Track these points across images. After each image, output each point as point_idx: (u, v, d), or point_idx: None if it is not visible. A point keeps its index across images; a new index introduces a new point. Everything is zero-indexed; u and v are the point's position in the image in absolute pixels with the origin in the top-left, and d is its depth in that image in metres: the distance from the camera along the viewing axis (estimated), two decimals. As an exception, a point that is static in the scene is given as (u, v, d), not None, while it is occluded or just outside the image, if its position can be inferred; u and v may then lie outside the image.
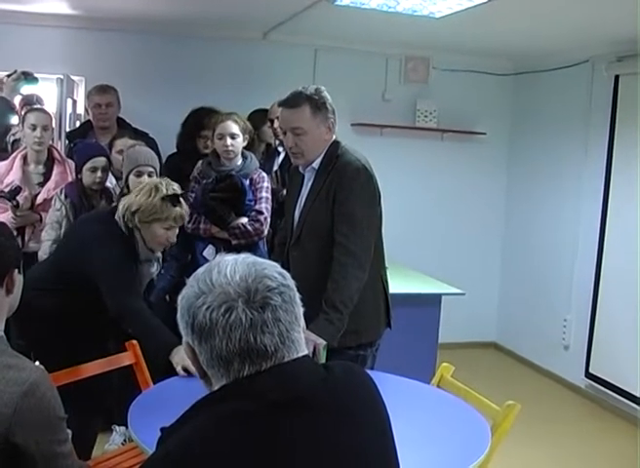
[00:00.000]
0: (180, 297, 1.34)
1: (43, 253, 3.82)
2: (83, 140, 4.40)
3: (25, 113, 4.16)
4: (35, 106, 4.36)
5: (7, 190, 3.99)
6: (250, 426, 1.23)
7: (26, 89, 4.76)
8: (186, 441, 1.24)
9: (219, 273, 1.31)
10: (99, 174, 3.89)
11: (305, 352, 1.36)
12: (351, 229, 2.89)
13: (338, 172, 2.94)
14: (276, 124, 4.31)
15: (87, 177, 3.90)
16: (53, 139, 4.36)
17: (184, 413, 1.31)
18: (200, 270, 1.35)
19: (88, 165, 3.89)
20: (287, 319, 1.30)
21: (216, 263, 1.34)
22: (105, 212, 3.42)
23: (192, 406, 1.31)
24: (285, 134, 3.01)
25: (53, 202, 3.90)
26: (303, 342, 1.36)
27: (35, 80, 4.67)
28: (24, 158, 4.15)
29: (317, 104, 2.93)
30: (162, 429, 1.33)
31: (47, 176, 4.13)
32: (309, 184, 3.05)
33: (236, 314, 1.26)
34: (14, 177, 4.09)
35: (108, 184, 4.17)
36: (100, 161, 3.91)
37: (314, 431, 1.28)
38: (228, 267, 1.32)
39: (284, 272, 1.36)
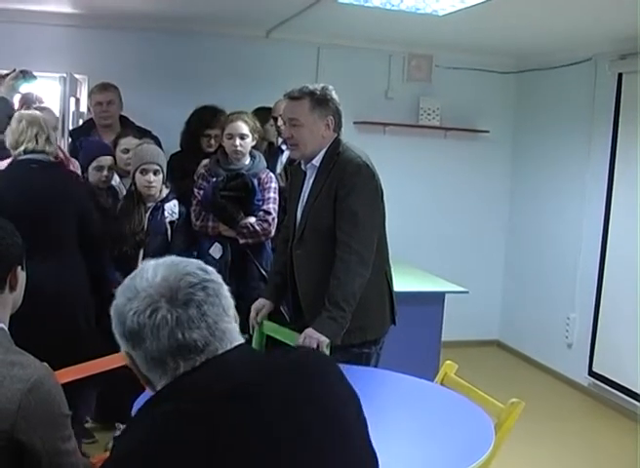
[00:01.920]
0: (111, 309, 1.35)
1: None
2: (88, 139, 4.40)
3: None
4: (42, 106, 4.36)
5: None
6: (193, 424, 1.22)
7: (25, 87, 4.77)
8: (132, 444, 1.24)
9: (141, 278, 1.33)
10: (104, 172, 3.93)
11: (240, 341, 1.37)
12: (353, 226, 2.89)
13: (339, 169, 2.95)
14: (279, 122, 4.32)
15: (93, 176, 3.95)
16: (56, 138, 4.36)
17: (131, 419, 1.33)
18: (126, 279, 1.37)
19: (94, 164, 3.93)
20: (213, 312, 1.32)
21: (139, 270, 1.37)
22: None
23: (138, 410, 1.32)
24: (285, 124, 3.07)
25: None
26: (237, 331, 1.37)
27: (33, 78, 4.67)
28: None
29: (318, 99, 2.95)
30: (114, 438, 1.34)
31: None
32: (311, 182, 3.06)
33: (162, 314, 1.28)
34: None
35: (112, 183, 4.18)
36: (106, 160, 3.95)
37: (261, 417, 1.26)
38: (150, 271, 1.34)
39: (207, 268, 1.38)
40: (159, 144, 4.46)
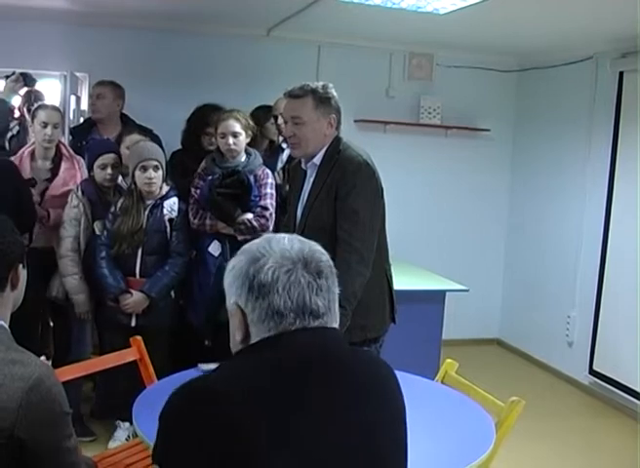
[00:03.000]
0: (229, 268, 1.44)
1: (65, 249, 3.89)
2: (94, 138, 4.41)
3: (36, 109, 4.16)
4: (46, 103, 4.37)
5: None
6: (278, 376, 1.32)
7: (25, 90, 4.78)
8: (218, 379, 1.33)
9: (277, 242, 1.43)
10: (108, 170, 3.95)
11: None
12: (354, 225, 2.89)
13: (339, 167, 2.95)
14: (280, 120, 4.31)
15: (98, 174, 3.98)
16: (60, 135, 4.36)
17: (225, 362, 1.42)
18: (251, 243, 1.45)
19: (98, 162, 3.96)
20: (334, 289, 1.46)
21: (271, 236, 1.46)
22: None
23: (237, 353, 1.43)
24: (286, 123, 3.05)
25: (70, 199, 3.95)
26: (338, 319, 1.48)
27: (34, 81, 4.69)
28: (32, 154, 4.16)
29: (320, 98, 2.95)
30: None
31: (54, 172, 4.13)
32: (311, 180, 3.05)
33: (296, 275, 1.38)
34: (22, 173, 4.10)
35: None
36: (110, 158, 3.97)
37: (337, 394, 1.37)
38: (286, 239, 1.45)
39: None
40: (160, 143, 4.46)
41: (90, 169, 4.01)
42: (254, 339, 1.40)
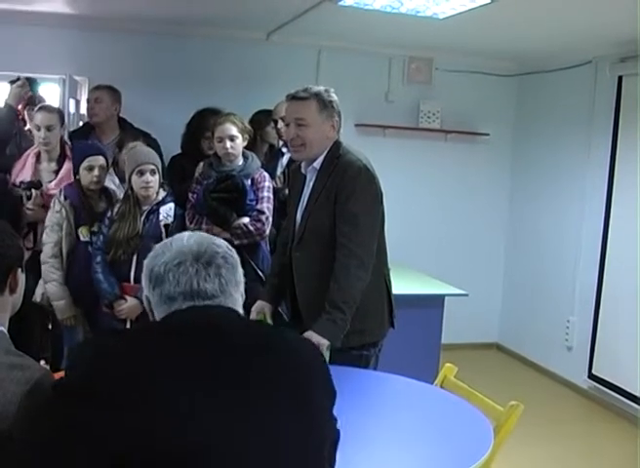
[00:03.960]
0: (147, 258, 1.65)
1: (45, 255, 3.84)
2: (79, 141, 4.37)
3: (34, 112, 4.18)
4: (43, 105, 4.37)
5: (26, 182, 4.03)
6: (150, 344, 1.46)
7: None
8: (101, 351, 1.46)
9: (178, 239, 1.64)
10: (95, 172, 3.86)
11: (240, 311, 1.62)
12: (353, 229, 2.89)
13: (339, 172, 2.95)
14: (280, 124, 4.32)
15: (84, 177, 3.88)
16: (62, 137, 4.34)
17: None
18: (161, 243, 1.67)
19: (84, 164, 3.86)
20: (228, 275, 1.60)
21: (177, 235, 1.67)
22: None
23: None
24: (288, 126, 3.04)
25: (52, 204, 3.89)
26: (240, 304, 1.63)
27: (38, 85, 4.69)
28: (37, 155, 4.16)
29: (324, 101, 2.96)
30: None
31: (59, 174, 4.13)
32: (311, 185, 3.05)
33: (185, 266, 1.57)
34: (25, 175, 4.10)
35: (112, 186, 4.17)
36: (97, 159, 3.88)
37: (213, 361, 1.44)
38: (186, 236, 1.65)
39: (232, 249, 1.67)
40: (158, 146, 4.46)
41: (76, 172, 3.91)
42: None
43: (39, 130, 4.06)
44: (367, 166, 2.98)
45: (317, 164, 3.01)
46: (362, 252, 2.89)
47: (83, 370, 1.42)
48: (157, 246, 1.65)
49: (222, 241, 1.67)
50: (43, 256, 3.83)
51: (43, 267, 3.84)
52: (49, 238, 3.84)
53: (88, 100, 4.70)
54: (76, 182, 3.92)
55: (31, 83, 4.49)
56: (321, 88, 2.99)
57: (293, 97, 3.00)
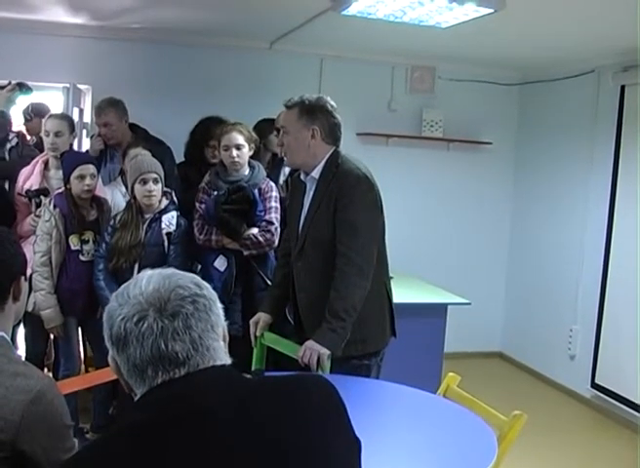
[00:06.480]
0: (104, 313, 1.37)
1: (35, 265, 3.80)
2: (69, 151, 4.33)
3: (45, 119, 4.20)
4: (55, 113, 4.40)
5: (34, 189, 4.04)
6: (139, 440, 1.24)
7: (21, 99, 4.80)
8: (86, 451, 1.31)
9: (134, 286, 1.34)
10: (87, 181, 3.84)
11: (225, 361, 1.36)
12: (353, 238, 2.89)
13: (338, 181, 2.95)
14: (282, 133, 4.33)
15: (75, 186, 3.85)
16: (71, 145, 4.34)
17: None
18: (122, 286, 1.38)
19: (75, 173, 3.84)
20: (200, 326, 1.32)
21: (135, 278, 1.38)
22: None
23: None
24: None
25: (42, 212, 3.88)
26: (223, 350, 1.37)
27: (30, 90, 4.70)
28: (46, 163, 4.16)
29: (306, 108, 2.96)
30: None
31: None
32: (311, 194, 3.05)
33: (148, 323, 1.29)
34: (33, 182, 4.10)
35: (119, 194, 4.17)
36: (88, 168, 3.87)
37: (211, 445, 1.24)
38: (144, 280, 1.35)
39: (201, 282, 1.37)
40: (171, 154, 4.46)
41: (67, 181, 3.88)
42: (137, 393, 1.34)
43: (48, 136, 4.08)
44: (366, 174, 2.97)
45: (316, 173, 3.01)
46: (362, 260, 2.88)
47: None
48: (113, 295, 1.37)
49: (188, 276, 1.38)
50: (33, 265, 3.79)
51: (32, 276, 3.80)
52: (38, 247, 3.83)
53: (98, 126, 4.61)
54: (66, 191, 3.88)
55: (22, 88, 4.51)
56: (313, 96, 2.99)
57: (284, 106, 3.05)
